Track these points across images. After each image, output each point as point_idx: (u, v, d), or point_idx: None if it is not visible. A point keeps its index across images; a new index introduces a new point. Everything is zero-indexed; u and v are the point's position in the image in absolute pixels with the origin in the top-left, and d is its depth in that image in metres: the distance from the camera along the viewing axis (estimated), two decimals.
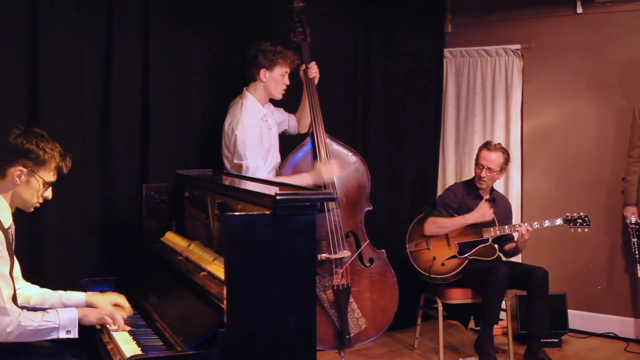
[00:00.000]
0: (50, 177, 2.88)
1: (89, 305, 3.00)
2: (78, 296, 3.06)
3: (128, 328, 2.89)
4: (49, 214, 3.69)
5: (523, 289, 4.79)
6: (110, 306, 3.01)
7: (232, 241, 2.56)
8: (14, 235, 2.91)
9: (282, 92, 4.21)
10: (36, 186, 2.85)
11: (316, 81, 4.37)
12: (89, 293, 3.16)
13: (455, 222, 4.81)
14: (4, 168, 2.81)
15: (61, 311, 2.81)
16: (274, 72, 4.14)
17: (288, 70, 4.18)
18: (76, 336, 2.79)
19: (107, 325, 2.91)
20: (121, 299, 3.09)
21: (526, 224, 4.69)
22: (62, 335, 2.76)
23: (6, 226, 2.79)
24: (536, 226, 4.72)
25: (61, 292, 3.07)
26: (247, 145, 3.99)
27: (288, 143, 4.39)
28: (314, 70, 4.35)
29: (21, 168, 2.80)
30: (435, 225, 4.84)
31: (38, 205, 2.94)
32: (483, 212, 4.75)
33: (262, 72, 4.13)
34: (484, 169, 4.82)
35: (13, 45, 3.65)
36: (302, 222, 2.64)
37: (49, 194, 2.93)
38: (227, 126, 4.10)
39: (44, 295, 3.04)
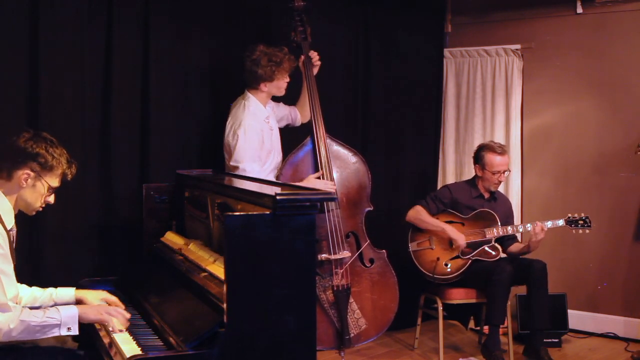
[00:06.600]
0: (56, 182, 2.91)
1: (79, 301, 3.02)
2: (67, 292, 3.07)
3: (121, 329, 2.87)
4: (49, 214, 3.68)
5: (522, 283, 4.77)
6: (101, 302, 3.02)
7: (232, 241, 2.57)
8: (15, 237, 2.92)
9: (285, 89, 4.25)
10: (41, 190, 2.87)
11: (316, 71, 4.39)
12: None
13: (434, 224, 4.81)
14: (12, 170, 2.82)
15: (61, 308, 2.81)
16: (274, 82, 4.16)
17: (287, 76, 4.20)
18: (76, 333, 2.81)
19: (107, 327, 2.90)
20: (109, 295, 3.10)
21: (541, 223, 4.66)
22: (64, 332, 2.77)
23: (8, 227, 2.80)
24: None
25: (51, 289, 3.07)
26: (246, 149, 4.00)
27: (289, 143, 4.38)
28: (316, 59, 4.37)
29: (28, 171, 2.82)
30: (417, 214, 4.86)
31: (40, 209, 2.96)
32: (460, 236, 4.74)
33: (262, 85, 4.14)
34: (502, 174, 4.82)
35: (13, 45, 3.65)
36: (302, 222, 2.64)
37: (51, 199, 2.95)
38: (228, 128, 4.11)
39: (34, 294, 3.05)
